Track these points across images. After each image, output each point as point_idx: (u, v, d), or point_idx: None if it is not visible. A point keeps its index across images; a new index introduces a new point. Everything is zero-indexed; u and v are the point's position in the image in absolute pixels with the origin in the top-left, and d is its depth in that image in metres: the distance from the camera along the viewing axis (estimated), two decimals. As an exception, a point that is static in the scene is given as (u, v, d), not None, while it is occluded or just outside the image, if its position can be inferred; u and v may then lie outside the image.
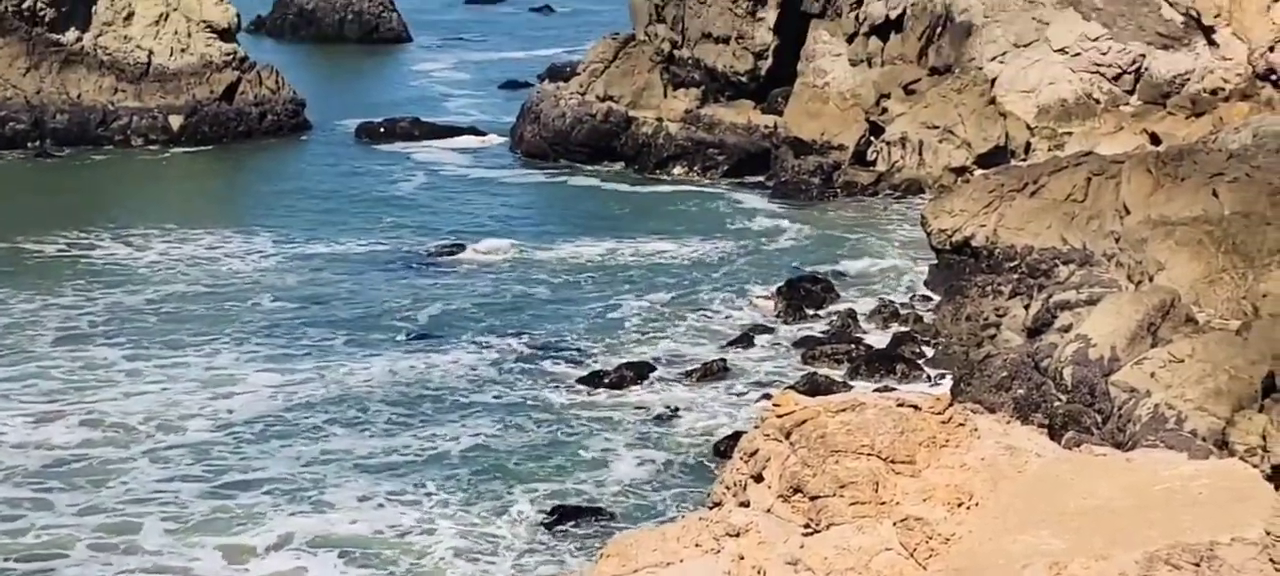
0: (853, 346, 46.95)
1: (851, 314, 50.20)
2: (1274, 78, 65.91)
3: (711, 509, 21.12)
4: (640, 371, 44.96)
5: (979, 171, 63.57)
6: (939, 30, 75.05)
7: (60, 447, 39.21)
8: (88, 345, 46.98)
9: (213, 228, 61.50)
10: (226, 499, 36.47)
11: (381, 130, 79.89)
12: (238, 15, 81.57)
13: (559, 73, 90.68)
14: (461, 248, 59.01)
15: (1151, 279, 41.46)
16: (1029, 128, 68.14)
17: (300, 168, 73.83)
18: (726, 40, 77.59)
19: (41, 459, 38.52)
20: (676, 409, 42.21)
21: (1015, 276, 48.44)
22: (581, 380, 44.45)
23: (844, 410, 19.79)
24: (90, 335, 48.01)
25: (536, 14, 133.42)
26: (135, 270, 55.55)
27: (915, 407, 19.78)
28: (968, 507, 18.84)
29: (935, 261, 53.18)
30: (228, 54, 79.93)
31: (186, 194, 70.52)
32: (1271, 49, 65.94)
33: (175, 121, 77.05)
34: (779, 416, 20.14)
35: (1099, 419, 36.47)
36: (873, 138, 70.54)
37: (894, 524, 18.49)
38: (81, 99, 77.00)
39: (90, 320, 49.59)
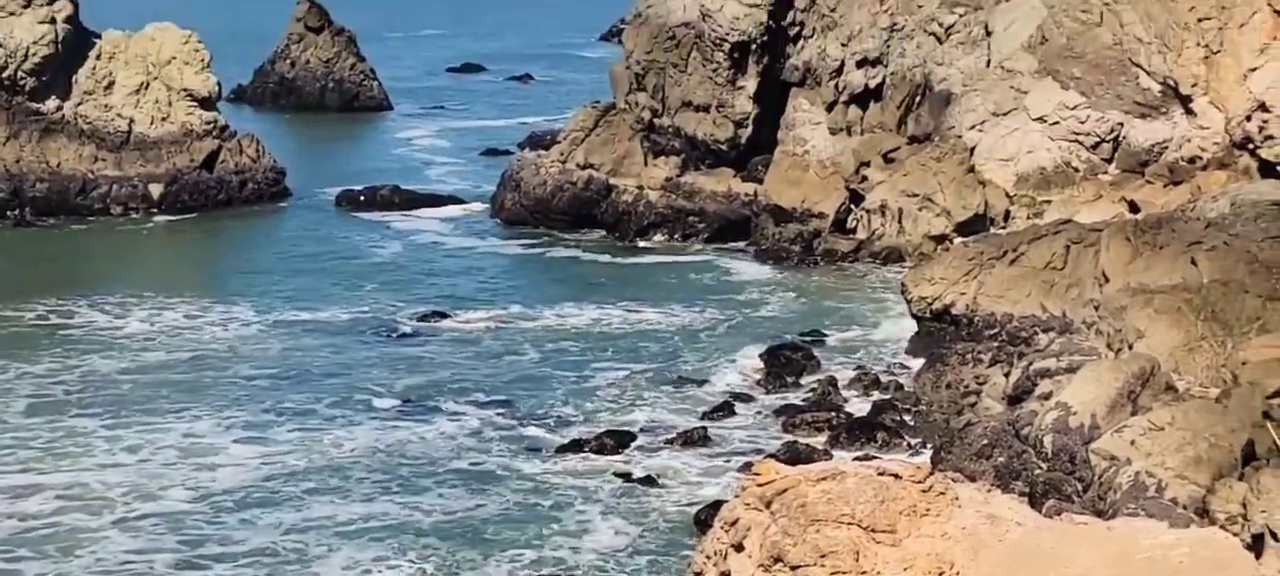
0: (833, 414, 46.90)
1: (832, 382, 50.18)
2: (1251, 147, 66.21)
3: (692, 578, 21.00)
4: (621, 439, 44.85)
5: (959, 239, 63.71)
6: (918, 99, 75.45)
7: (32, 516, 38.95)
8: (64, 413, 46.76)
9: (193, 296, 61.39)
10: (202, 570, 36.24)
11: (362, 198, 79.91)
12: (218, 84, 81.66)
13: (540, 141, 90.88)
14: (442, 315, 58.94)
15: (1131, 347, 41.50)
16: (1008, 196, 68.35)
17: (281, 236, 73.78)
18: (707, 109, 77.91)
19: (12, 527, 38.26)
20: (657, 477, 42.09)
21: (995, 344, 48.49)
22: (561, 448, 44.33)
23: (825, 479, 19.72)
24: (66, 403, 47.80)
25: (517, 82, 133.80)
26: (114, 338, 55.35)
27: (896, 476, 19.73)
28: (949, 577, 18.77)
29: (915, 329, 53.22)
30: (208, 122, 79.99)
31: (166, 262, 70.42)
32: (1248, 118, 66.26)
33: (155, 190, 77.00)
34: (759, 485, 20.08)
35: (1080, 487, 36.43)
36: (853, 205, 70.71)
37: (875, 593, 18.40)
38: (61, 168, 76.95)
39: (65, 388, 49.40)
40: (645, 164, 75.32)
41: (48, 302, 59.51)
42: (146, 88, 79.36)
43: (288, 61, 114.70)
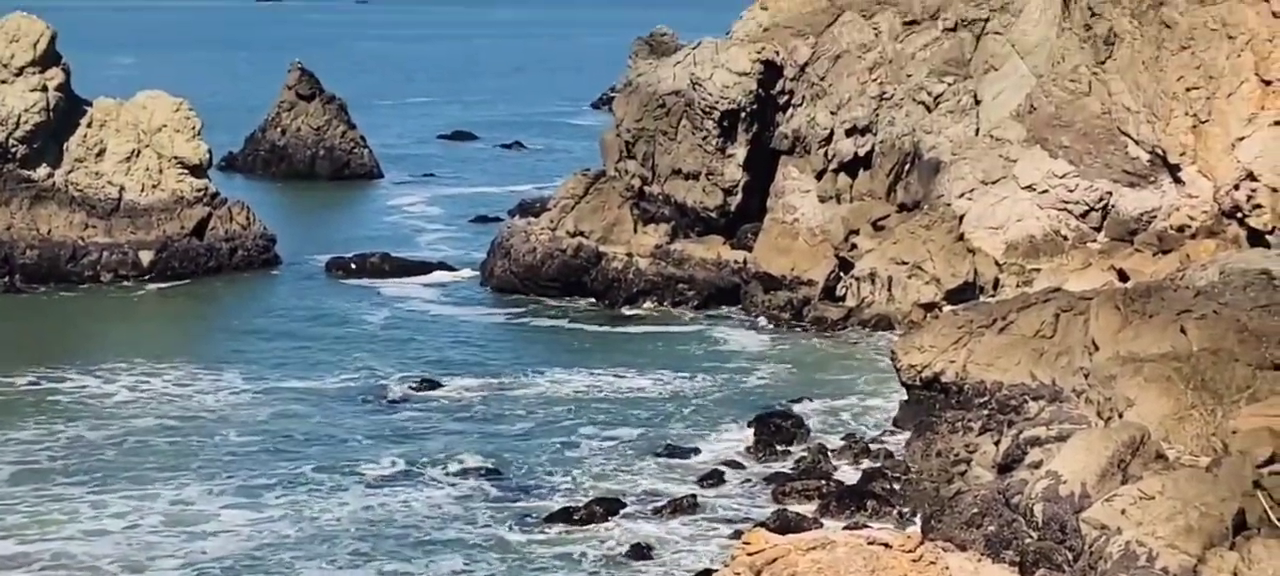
0: (823, 482, 46.82)
1: (822, 449, 50.12)
2: (1240, 216, 66.42)
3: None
4: (610, 507, 44.73)
5: (948, 307, 63.79)
6: (907, 167, 75.67)
7: (23, 585, 38.81)
8: (51, 481, 46.59)
9: (182, 362, 61.30)
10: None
11: (352, 266, 79.95)
12: (209, 151, 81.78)
13: (529, 208, 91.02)
14: (432, 383, 58.87)
15: (1121, 415, 41.49)
16: (997, 264, 68.47)
17: (271, 303, 73.74)
18: (696, 176, 78.07)
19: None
20: (647, 546, 41.95)
21: (985, 412, 48.43)
22: (550, 516, 44.21)
23: (815, 548, 19.71)
24: (53, 470, 47.64)
25: (507, 150, 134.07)
26: (104, 406, 55.24)
27: (886, 545, 19.72)
28: (939, 647, 18.72)
29: (905, 397, 53.19)
30: (199, 190, 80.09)
31: (156, 329, 70.34)
32: (1236, 187, 66.50)
33: (145, 257, 77.00)
34: (750, 554, 20.05)
35: (1070, 556, 36.33)
36: (842, 273, 70.81)
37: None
38: (51, 235, 76.98)
39: (51, 454, 49.27)
40: (635, 231, 75.43)
41: (37, 369, 59.39)
42: (137, 155, 79.48)
43: (278, 129, 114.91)
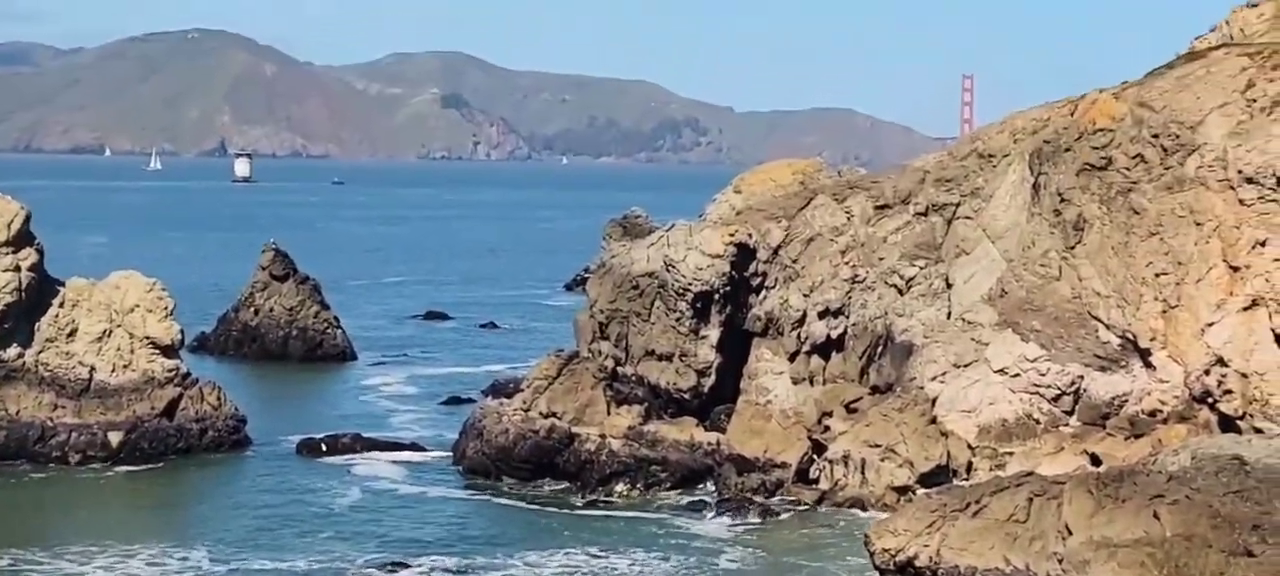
0: (797, 669, 46.32)
1: (795, 635, 49.63)
2: (1211, 401, 66.59)
3: None
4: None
5: (921, 491, 63.58)
6: (880, 350, 75.87)
7: None
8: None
9: (153, 544, 60.73)
10: None
11: (323, 446, 79.64)
12: (181, 332, 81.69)
13: (502, 389, 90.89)
14: (400, 564, 58.35)
15: (1095, 601, 41.23)
16: (970, 447, 68.43)
17: (240, 484, 73.23)
18: (669, 358, 78.15)
19: None
20: None
21: (959, 597, 48.06)
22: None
23: None
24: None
25: (482, 330, 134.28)
26: (70, 589, 54.57)
27: None
28: None
29: (879, 582, 52.76)
30: (170, 370, 79.87)
31: (126, 512, 69.66)
32: (1207, 372, 66.75)
33: (114, 438, 76.53)
34: None
35: None
36: (815, 456, 70.67)
37: None
38: (20, 415, 76.58)
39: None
40: (608, 412, 75.29)
41: (10, 552, 58.81)
42: (109, 335, 79.36)
43: (252, 309, 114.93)
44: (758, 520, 66.56)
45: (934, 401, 70.03)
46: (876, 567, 52.56)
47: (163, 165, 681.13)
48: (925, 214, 77.57)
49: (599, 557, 59.99)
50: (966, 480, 64.92)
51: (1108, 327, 69.45)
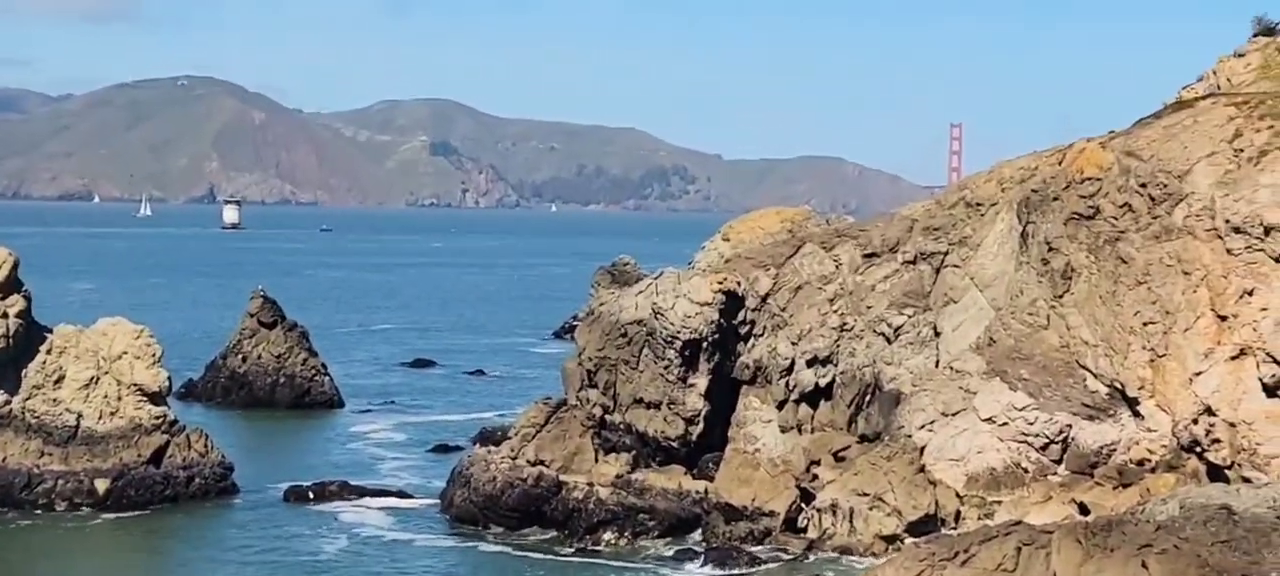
0: None
1: (783, 685, 49.49)
2: (1199, 450, 66.61)
3: None
4: None
5: (910, 540, 63.48)
6: (868, 398, 75.86)
7: None
8: None
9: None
10: None
11: (310, 494, 79.37)
12: (169, 379, 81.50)
13: (490, 436, 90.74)
14: (388, 615, 58.11)
15: (1084, 651, 41.17)
16: (959, 496, 68.35)
17: (226, 532, 72.95)
18: (658, 406, 78.10)
19: None
20: None
21: (948, 647, 48.01)
22: None
23: None
24: None
25: (470, 377, 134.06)
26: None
27: None
28: None
29: (867, 631, 52.69)
30: (157, 417, 79.64)
31: (111, 559, 69.37)
32: (1195, 421, 66.77)
33: (101, 485, 76.24)
34: None
35: None
36: (804, 504, 70.55)
37: None
38: (6, 462, 76.29)
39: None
40: (596, 460, 75.16)
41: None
42: (96, 382, 79.14)
43: (239, 356, 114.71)
44: (746, 568, 66.38)
45: (922, 450, 70.00)
46: (865, 617, 52.47)
47: (152, 211, 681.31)
48: (913, 262, 77.69)
49: (586, 606, 59.75)
50: (955, 529, 64.84)
51: (1096, 376, 69.49)
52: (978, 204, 78.43)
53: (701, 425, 77.70)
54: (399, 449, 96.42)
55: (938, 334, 75.18)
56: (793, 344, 77.96)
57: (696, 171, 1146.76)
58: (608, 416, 78.45)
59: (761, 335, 79.14)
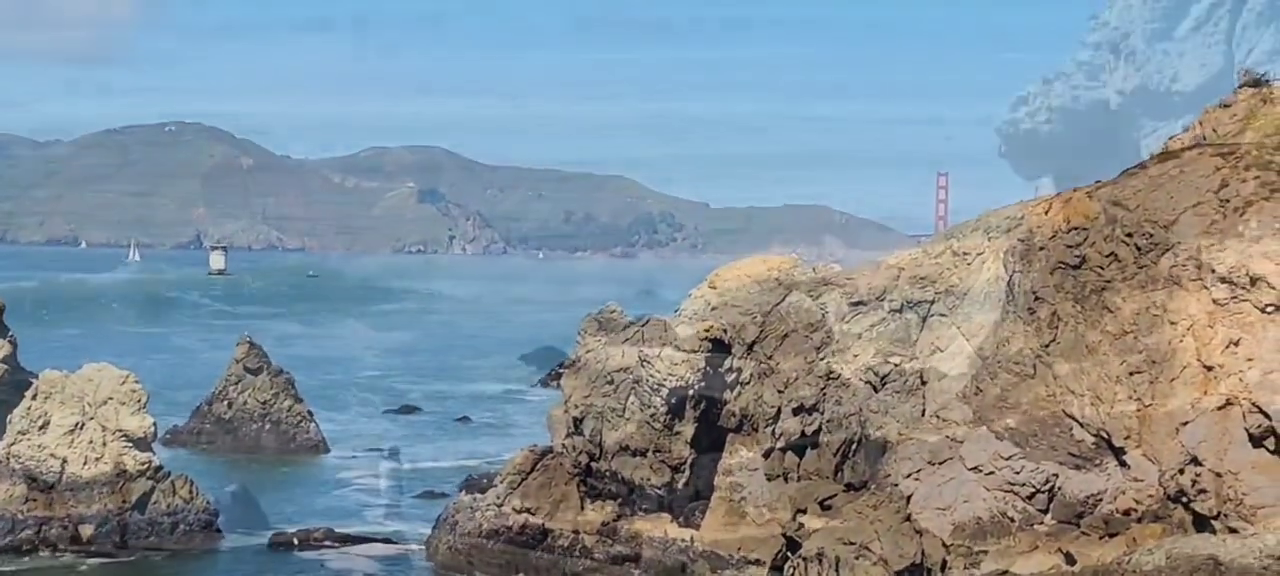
0: None
1: None
2: (1185, 500, 66.54)
3: None
4: None
5: (896, 589, 63.36)
6: (854, 447, 75.79)
7: None
8: None
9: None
10: None
11: (295, 540, 79.19)
12: (154, 425, 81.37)
13: (476, 483, 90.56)
14: (373, 662, 57.95)
15: (1071, 701, 41.09)
16: (945, 546, 68.19)
17: (210, 578, 72.79)
18: (644, 453, 77.95)
19: None
20: None
21: (934, 697, 47.89)
22: None
23: None
24: None
25: (456, 423, 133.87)
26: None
27: None
28: None
29: (853, 681, 52.53)
30: (142, 463, 79.45)
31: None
32: (1181, 471, 66.72)
33: (86, 531, 76.02)
34: None
35: None
36: (790, 553, 70.37)
37: None
38: (-9, 507, 76.07)
39: None
40: (582, 508, 75.03)
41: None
42: (82, 427, 78.95)
43: (225, 402, 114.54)
44: (732, 617, 66.28)
45: (908, 498, 69.87)
46: (851, 666, 52.32)
47: (141, 257, 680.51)
48: (900, 311, 77.73)
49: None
50: (941, 578, 64.68)
51: (1082, 426, 69.45)
52: (964, 253, 78.55)
53: (688, 472, 77.57)
54: (385, 495, 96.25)
55: (924, 382, 75.18)
56: (779, 392, 77.91)
57: (684, 218, 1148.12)
58: (594, 464, 78.32)
59: (748, 383, 79.08)
